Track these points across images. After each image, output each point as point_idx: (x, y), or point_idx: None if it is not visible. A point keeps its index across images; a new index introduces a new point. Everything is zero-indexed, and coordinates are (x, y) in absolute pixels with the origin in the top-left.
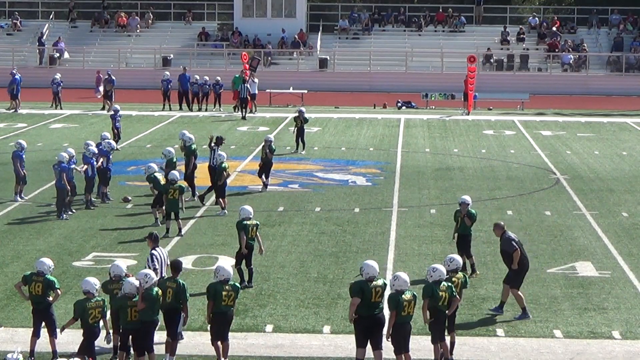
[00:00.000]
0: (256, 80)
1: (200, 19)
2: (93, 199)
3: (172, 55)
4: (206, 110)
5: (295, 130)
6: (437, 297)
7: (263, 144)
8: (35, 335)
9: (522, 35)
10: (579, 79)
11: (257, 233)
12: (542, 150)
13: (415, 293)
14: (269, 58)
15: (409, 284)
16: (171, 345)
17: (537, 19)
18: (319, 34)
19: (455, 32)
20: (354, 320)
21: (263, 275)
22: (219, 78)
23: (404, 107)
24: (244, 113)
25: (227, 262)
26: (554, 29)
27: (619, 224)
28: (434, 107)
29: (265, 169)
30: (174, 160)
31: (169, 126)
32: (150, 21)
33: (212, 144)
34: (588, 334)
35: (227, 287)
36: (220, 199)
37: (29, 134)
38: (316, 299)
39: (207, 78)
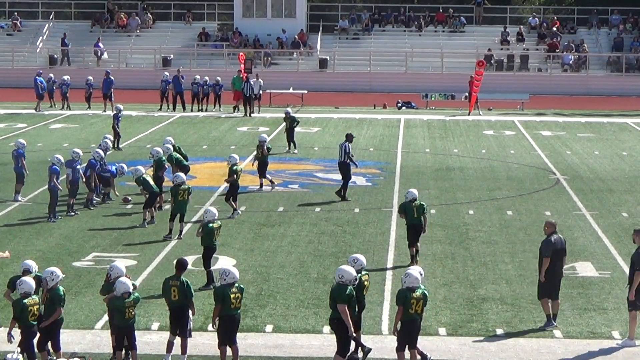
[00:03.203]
0: (260, 80)
1: (200, 19)
2: (95, 198)
3: (172, 56)
4: (206, 110)
5: (285, 131)
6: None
7: (258, 144)
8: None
9: (522, 36)
10: (579, 80)
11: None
12: (542, 150)
13: (426, 292)
14: (269, 58)
15: (420, 282)
16: (181, 344)
17: (537, 19)
18: (319, 34)
19: (455, 33)
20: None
21: (263, 276)
22: (219, 78)
23: (404, 108)
24: (247, 111)
25: (229, 263)
26: (554, 29)
27: (619, 224)
28: (434, 107)
29: (261, 168)
30: (163, 159)
31: (169, 126)
32: (150, 21)
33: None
34: (588, 334)
35: (234, 289)
36: (233, 202)
37: (29, 134)
38: (316, 299)
39: (207, 78)
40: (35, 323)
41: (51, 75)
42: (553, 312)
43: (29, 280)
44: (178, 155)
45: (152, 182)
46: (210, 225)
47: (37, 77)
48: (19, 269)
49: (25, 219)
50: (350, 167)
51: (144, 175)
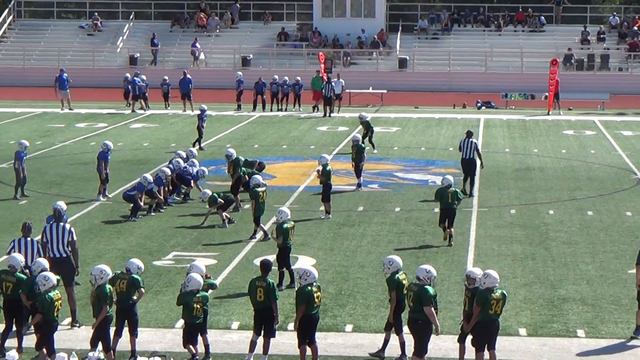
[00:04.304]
0: (342, 80)
1: (280, 19)
2: (175, 197)
3: (251, 55)
4: (285, 110)
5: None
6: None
7: (352, 144)
8: (118, 334)
9: (602, 35)
10: None
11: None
12: (623, 150)
13: (504, 292)
14: (349, 58)
15: (498, 282)
16: (264, 344)
17: (617, 18)
18: (399, 33)
19: (535, 32)
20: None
21: (343, 275)
22: (298, 78)
23: (483, 107)
24: (327, 111)
25: (308, 263)
26: (635, 28)
27: None
28: (513, 107)
29: (356, 168)
30: (240, 159)
31: (248, 126)
32: (229, 21)
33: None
34: None
35: (315, 288)
36: (327, 202)
37: (109, 133)
38: None
39: (286, 78)
40: (57, 318)
41: (127, 74)
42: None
43: (52, 276)
44: (248, 169)
45: (220, 194)
46: (285, 225)
47: (135, 78)
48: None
49: (107, 218)
50: (476, 163)
51: (213, 195)
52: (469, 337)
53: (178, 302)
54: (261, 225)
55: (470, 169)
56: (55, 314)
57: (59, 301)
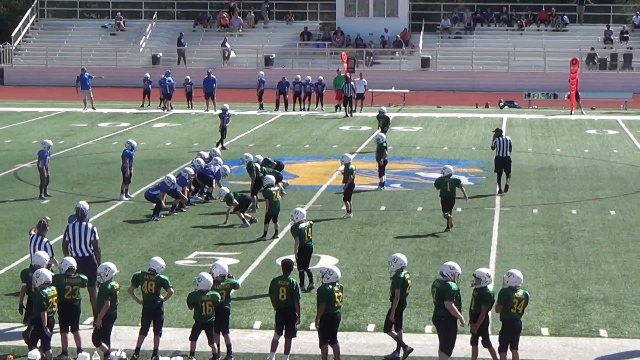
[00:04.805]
0: (364, 80)
1: (303, 18)
2: (198, 197)
3: (274, 55)
4: (308, 109)
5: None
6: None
7: (376, 142)
8: (143, 333)
9: (625, 34)
10: None
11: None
12: None
13: (527, 292)
14: (371, 58)
15: (522, 281)
16: (286, 344)
17: None
18: (421, 33)
19: (557, 31)
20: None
21: (365, 275)
22: (321, 77)
23: (506, 107)
24: (347, 111)
25: (331, 262)
26: None
27: None
28: (536, 106)
29: (379, 167)
30: (251, 162)
31: (271, 126)
32: (252, 21)
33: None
34: None
35: (336, 288)
36: (348, 202)
37: (132, 133)
38: (418, 298)
39: (309, 77)
40: (52, 315)
41: (147, 74)
42: None
43: (46, 272)
44: (266, 168)
45: (237, 194)
46: (300, 226)
47: (165, 77)
48: (122, 267)
49: (129, 218)
50: (511, 160)
51: (229, 193)
52: (480, 338)
53: (189, 304)
54: (269, 224)
55: (506, 166)
56: (50, 312)
57: (54, 298)
